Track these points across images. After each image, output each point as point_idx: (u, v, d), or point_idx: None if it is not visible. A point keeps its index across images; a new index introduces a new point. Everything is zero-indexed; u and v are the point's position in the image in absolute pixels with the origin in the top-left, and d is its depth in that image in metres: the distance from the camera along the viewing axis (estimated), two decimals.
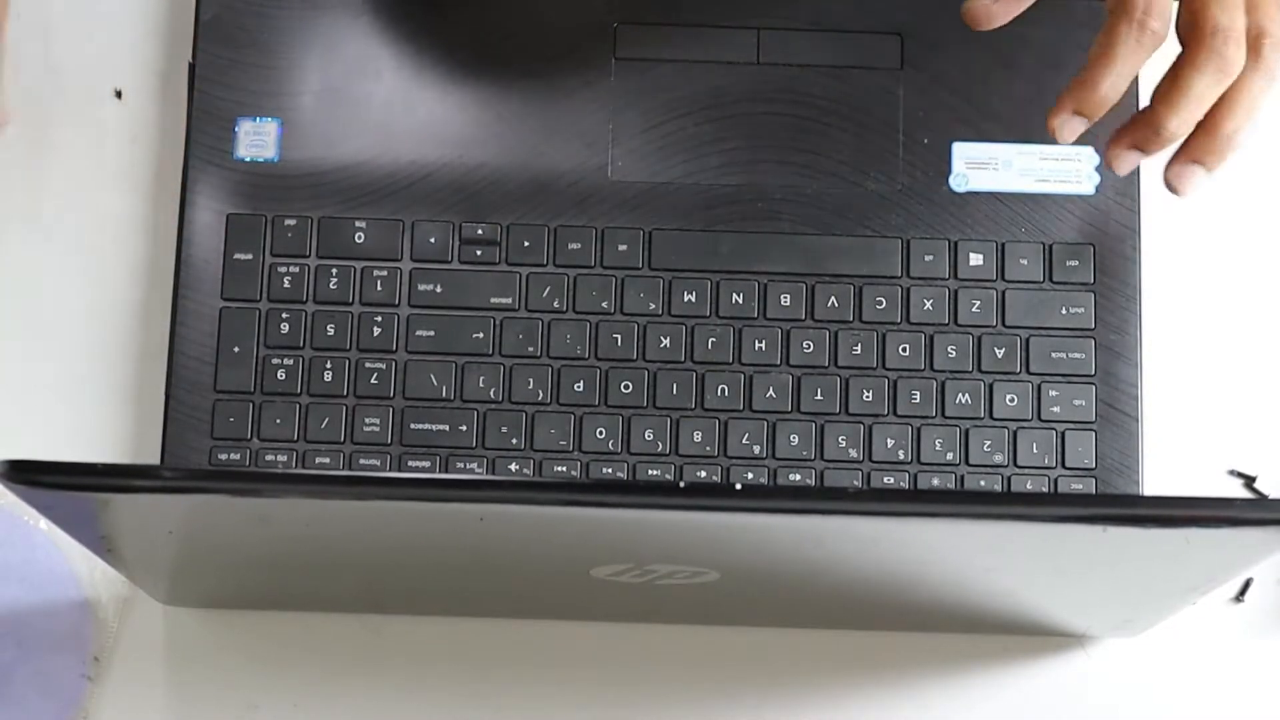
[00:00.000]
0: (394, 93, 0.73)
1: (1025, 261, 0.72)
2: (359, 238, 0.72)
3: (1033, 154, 0.73)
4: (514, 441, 0.70)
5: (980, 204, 0.73)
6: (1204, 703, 0.71)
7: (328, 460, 0.70)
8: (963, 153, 0.73)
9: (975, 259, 0.72)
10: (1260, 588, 0.72)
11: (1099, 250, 0.72)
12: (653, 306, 0.72)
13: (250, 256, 0.72)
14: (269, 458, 0.70)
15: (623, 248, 0.72)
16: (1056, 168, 0.73)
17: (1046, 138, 0.67)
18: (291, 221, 0.72)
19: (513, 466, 0.70)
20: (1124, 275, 0.72)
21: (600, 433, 0.70)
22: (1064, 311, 0.72)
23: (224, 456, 0.70)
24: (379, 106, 0.73)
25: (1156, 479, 0.70)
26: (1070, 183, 0.73)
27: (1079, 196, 0.73)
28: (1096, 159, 0.73)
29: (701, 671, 0.70)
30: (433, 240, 0.72)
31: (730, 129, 0.73)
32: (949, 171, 0.73)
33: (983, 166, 0.73)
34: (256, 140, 0.73)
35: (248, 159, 0.72)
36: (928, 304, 0.72)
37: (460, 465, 0.70)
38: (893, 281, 0.72)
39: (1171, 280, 0.74)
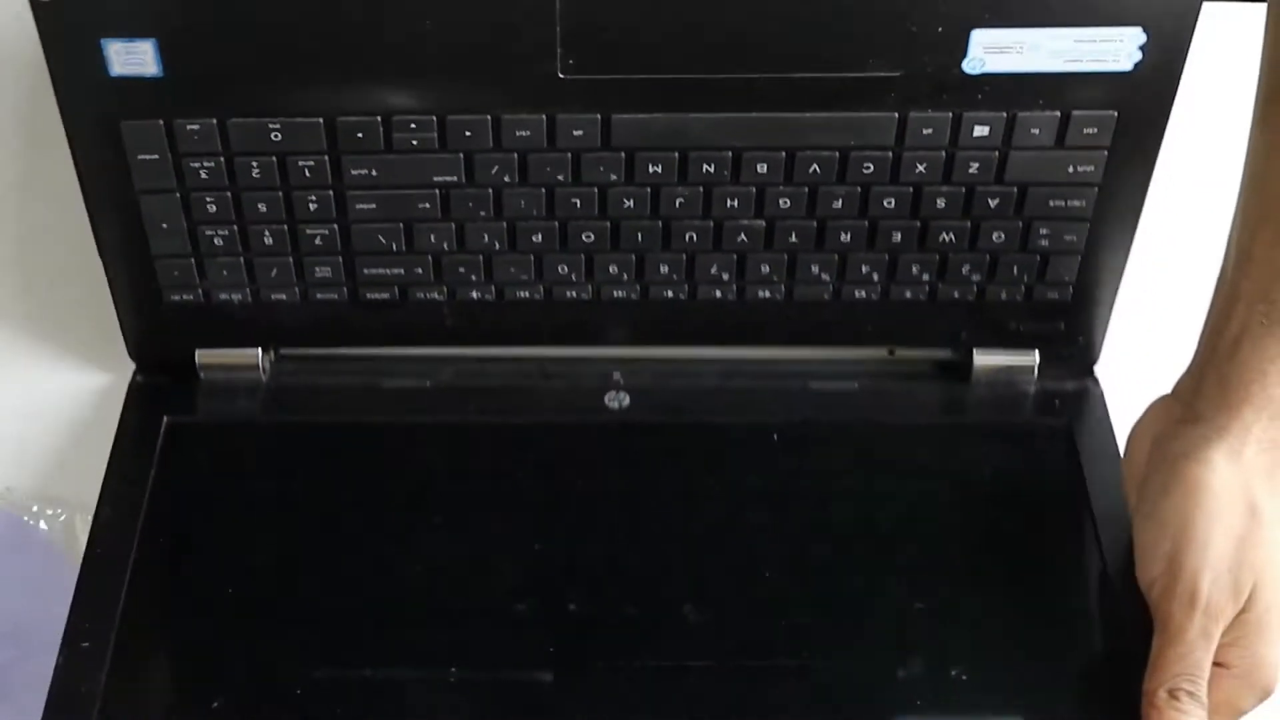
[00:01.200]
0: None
1: (1037, 131, 0.75)
2: (275, 137, 0.74)
3: (1067, 36, 0.71)
4: (473, 278, 0.81)
5: (996, 83, 0.73)
6: None
7: (284, 296, 0.80)
8: (982, 39, 0.71)
9: (980, 130, 0.75)
10: None
11: (1122, 118, 0.74)
12: (614, 177, 0.77)
13: (156, 156, 0.76)
14: (223, 296, 0.80)
15: (578, 133, 0.75)
16: (1094, 48, 0.73)
17: (1085, 19, 0.69)
18: (194, 126, 0.73)
19: (474, 294, 0.80)
20: (1145, 142, 0.77)
21: (562, 269, 0.79)
22: (1071, 170, 0.77)
23: (176, 298, 0.79)
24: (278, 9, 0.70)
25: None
26: (1107, 61, 0.72)
27: (1114, 73, 0.72)
28: (1143, 37, 0.71)
29: None
30: (360, 135, 0.74)
31: (706, 11, 0.70)
32: (964, 57, 0.71)
33: (1005, 51, 0.72)
34: (132, 59, 0.71)
35: (129, 75, 0.72)
36: (920, 167, 0.76)
37: (420, 295, 0.80)
38: (883, 150, 0.75)
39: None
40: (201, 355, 0.87)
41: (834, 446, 0.86)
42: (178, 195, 0.81)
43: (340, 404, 0.87)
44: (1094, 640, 0.79)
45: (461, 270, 0.85)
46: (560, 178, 0.80)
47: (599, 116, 0.78)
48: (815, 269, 0.85)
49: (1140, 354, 0.91)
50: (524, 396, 0.88)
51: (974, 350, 0.88)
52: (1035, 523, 0.84)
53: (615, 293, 0.86)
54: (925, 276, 0.86)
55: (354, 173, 0.80)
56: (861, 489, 0.85)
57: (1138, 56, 0.77)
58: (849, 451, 0.86)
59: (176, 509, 0.83)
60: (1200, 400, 0.77)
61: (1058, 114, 0.79)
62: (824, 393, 0.88)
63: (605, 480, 0.85)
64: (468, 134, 0.78)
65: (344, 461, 0.86)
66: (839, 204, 0.82)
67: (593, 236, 0.83)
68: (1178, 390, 0.79)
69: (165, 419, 0.86)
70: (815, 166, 0.80)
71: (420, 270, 0.85)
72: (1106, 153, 0.80)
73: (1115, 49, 0.77)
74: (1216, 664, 0.75)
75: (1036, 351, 0.89)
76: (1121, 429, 0.87)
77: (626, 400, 0.88)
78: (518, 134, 0.79)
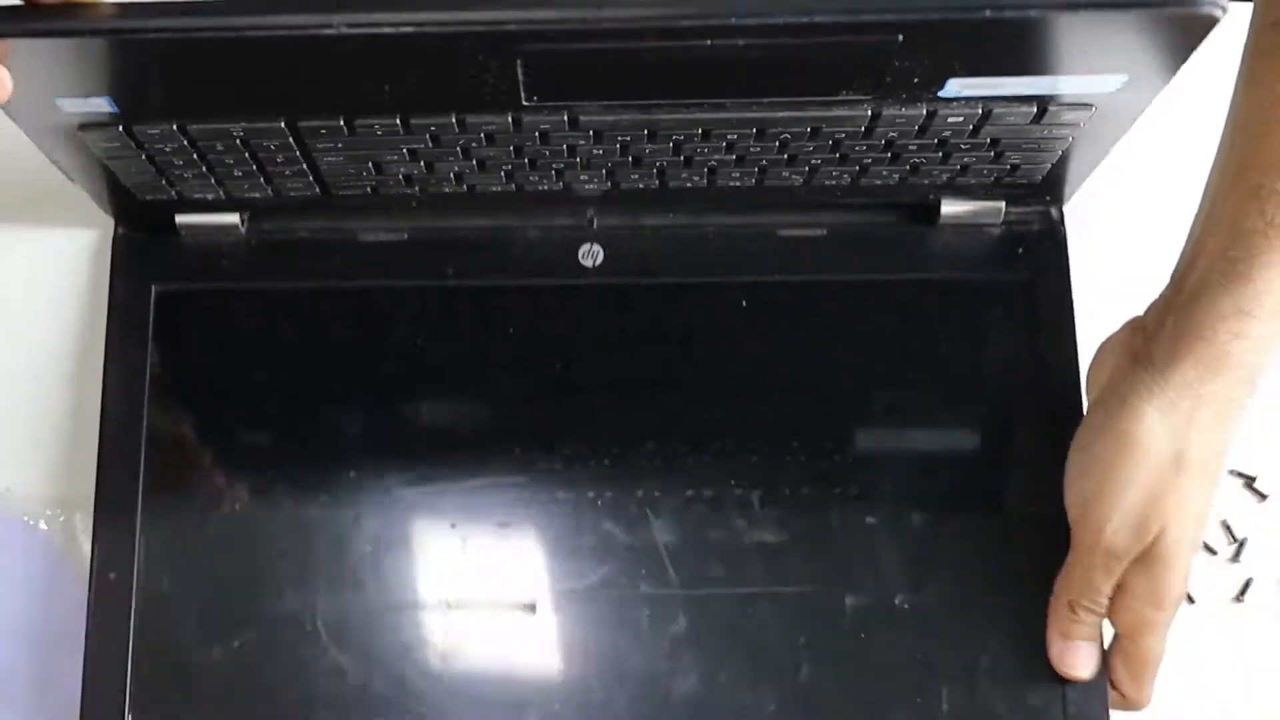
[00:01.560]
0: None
1: (1013, 118, 0.71)
2: (237, 133, 0.71)
3: (1047, 80, 0.67)
4: (444, 182, 0.79)
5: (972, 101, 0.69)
6: (1203, 702, 0.86)
7: (257, 195, 0.81)
8: (959, 82, 0.67)
9: (954, 119, 0.71)
10: (1260, 587, 0.87)
11: (1099, 110, 0.70)
12: (582, 143, 0.75)
13: (118, 144, 0.73)
14: (196, 195, 0.79)
15: (544, 126, 0.71)
16: (1074, 85, 0.68)
17: (1066, 69, 0.68)
18: (154, 131, 0.70)
19: (445, 190, 0.80)
20: (1131, 111, 0.73)
21: (533, 178, 0.79)
22: (1045, 133, 0.74)
23: (150, 198, 0.80)
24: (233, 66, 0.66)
25: None
26: (1087, 90, 0.68)
27: (1094, 93, 0.69)
28: (1125, 78, 0.67)
29: None
30: (323, 131, 0.71)
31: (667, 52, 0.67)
32: (940, 90, 0.67)
33: (979, 87, 0.68)
34: (87, 106, 0.69)
35: (80, 112, 0.68)
36: (893, 133, 0.73)
37: (393, 192, 0.79)
38: (855, 128, 0.72)
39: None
40: (181, 219, 0.88)
41: (797, 311, 0.88)
42: (143, 157, 0.80)
43: (320, 263, 0.89)
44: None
45: (432, 181, 0.84)
46: (529, 143, 0.79)
47: (565, 117, 0.76)
48: (786, 173, 0.85)
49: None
50: (500, 250, 0.89)
51: (942, 200, 0.89)
52: (986, 392, 0.87)
53: (586, 186, 0.86)
54: (895, 176, 0.85)
55: (320, 145, 0.78)
56: (819, 363, 0.88)
57: (1120, 86, 0.74)
58: (811, 317, 0.88)
59: (178, 399, 0.87)
60: (1157, 341, 0.79)
61: (1034, 108, 0.77)
62: (792, 240, 0.89)
63: (580, 351, 0.87)
64: (432, 128, 0.77)
65: (329, 332, 0.88)
66: (810, 148, 0.81)
67: (563, 165, 0.83)
68: (1146, 317, 0.81)
69: (154, 289, 0.89)
70: (786, 135, 0.79)
71: (391, 183, 0.84)
72: (1084, 124, 0.79)
73: (1097, 83, 0.74)
74: (1121, 585, 0.83)
75: (1004, 202, 0.90)
76: (1083, 267, 0.90)
77: (600, 256, 0.90)
78: (483, 128, 0.77)
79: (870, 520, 0.85)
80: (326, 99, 0.74)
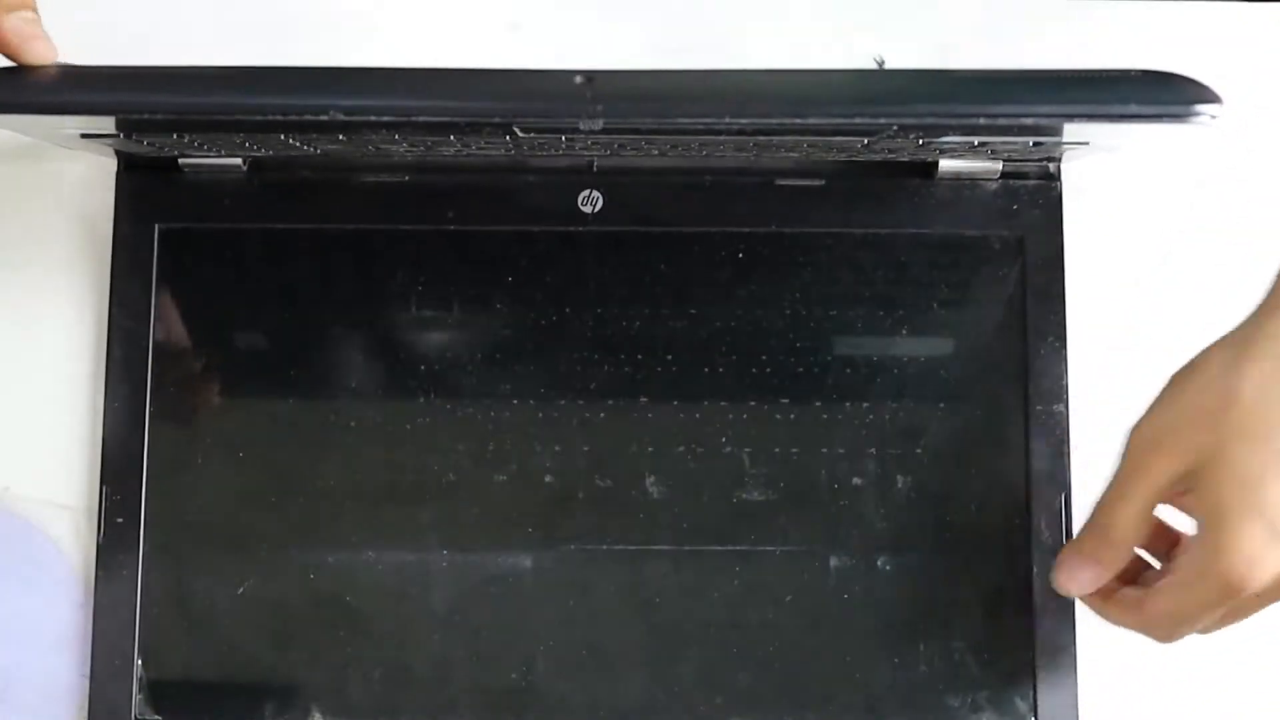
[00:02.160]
0: None
1: (1009, 145, 0.70)
2: (238, 139, 0.70)
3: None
4: (444, 150, 0.78)
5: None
6: (1201, 702, 0.86)
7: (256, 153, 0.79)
8: (950, 138, 0.66)
9: (951, 148, 0.70)
10: None
11: (1095, 142, 0.70)
12: (579, 141, 0.73)
13: (119, 141, 0.71)
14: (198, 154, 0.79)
15: (541, 142, 0.70)
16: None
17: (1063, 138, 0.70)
18: (156, 138, 0.70)
19: (444, 152, 0.79)
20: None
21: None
22: (1041, 151, 0.73)
23: (150, 155, 0.79)
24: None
25: None
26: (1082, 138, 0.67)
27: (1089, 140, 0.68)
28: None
29: None
30: (322, 139, 0.71)
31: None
32: (934, 141, 0.66)
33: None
34: (88, 129, 0.67)
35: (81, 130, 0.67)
36: (889, 147, 0.72)
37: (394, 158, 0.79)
38: (851, 144, 0.72)
39: None
40: (185, 160, 0.88)
41: (793, 263, 0.89)
42: (144, 144, 0.79)
43: (322, 204, 0.89)
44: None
45: (432, 155, 0.85)
46: (526, 145, 0.79)
47: (562, 137, 0.76)
48: (783, 154, 0.84)
49: None
50: (500, 195, 0.89)
51: (940, 159, 0.90)
52: (976, 352, 0.89)
53: (584, 156, 0.86)
54: (892, 155, 0.85)
55: (320, 142, 0.79)
56: (811, 317, 0.88)
57: (1115, 138, 0.73)
58: (806, 269, 0.89)
59: (184, 342, 0.89)
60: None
61: (1030, 142, 0.76)
62: (790, 190, 0.89)
63: (578, 298, 0.88)
64: (430, 140, 0.77)
65: (330, 273, 0.89)
66: (808, 149, 0.80)
67: (560, 149, 0.82)
68: None
69: (157, 227, 0.89)
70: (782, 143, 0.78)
71: (392, 154, 0.85)
72: (1080, 147, 0.78)
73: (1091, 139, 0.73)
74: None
75: (1000, 161, 0.89)
76: (1077, 221, 0.90)
77: (600, 202, 0.89)
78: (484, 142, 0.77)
79: (857, 481, 0.89)
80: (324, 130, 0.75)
